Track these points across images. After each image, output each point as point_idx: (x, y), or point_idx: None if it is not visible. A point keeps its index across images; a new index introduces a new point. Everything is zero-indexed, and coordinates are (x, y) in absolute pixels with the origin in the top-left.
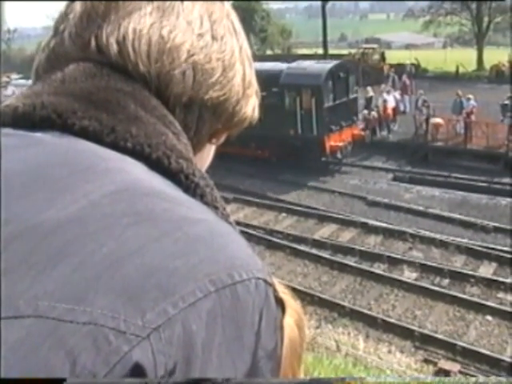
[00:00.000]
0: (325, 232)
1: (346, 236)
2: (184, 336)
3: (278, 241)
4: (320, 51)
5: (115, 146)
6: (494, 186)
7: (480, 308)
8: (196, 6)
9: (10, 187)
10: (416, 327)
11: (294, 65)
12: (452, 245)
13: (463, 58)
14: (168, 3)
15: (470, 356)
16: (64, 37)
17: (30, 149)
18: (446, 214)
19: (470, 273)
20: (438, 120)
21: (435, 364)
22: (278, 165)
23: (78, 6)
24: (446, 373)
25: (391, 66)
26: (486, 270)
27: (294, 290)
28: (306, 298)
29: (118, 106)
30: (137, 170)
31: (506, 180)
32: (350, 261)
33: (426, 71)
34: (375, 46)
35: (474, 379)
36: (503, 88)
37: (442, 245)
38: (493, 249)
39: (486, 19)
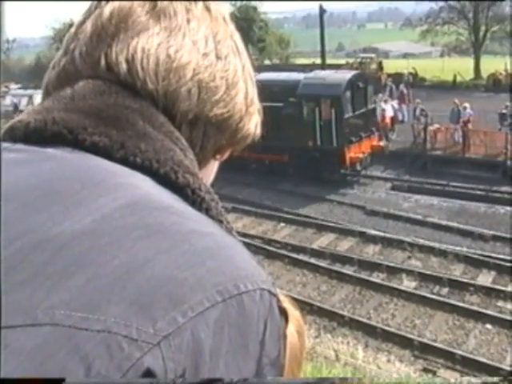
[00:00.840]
0: (323, 241)
1: (345, 245)
2: (193, 343)
3: (276, 250)
4: (318, 61)
5: (125, 162)
6: (493, 194)
7: (479, 316)
8: (201, 26)
9: (26, 200)
10: (415, 336)
11: (311, 75)
12: (451, 253)
13: (460, 67)
14: (175, 24)
15: (469, 365)
16: (74, 55)
17: (42, 164)
18: (444, 222)
19: (469, 281)
20: (437, 125)
21: (434, 373)
22: (279, 174)
23: (88, 26)
24: None
25: (389, 75)
26: (485, 278)
27: (293, 300)
28: (305, 307)
29: (126, 123)
30: (146, 185)
31: (505, 188)
32: (349, 270)
33: (424, 80)
34: (373, 55)
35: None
36: (500, 97)
37: (441, 253)
38: (492, 257)
39: (482, 28)
